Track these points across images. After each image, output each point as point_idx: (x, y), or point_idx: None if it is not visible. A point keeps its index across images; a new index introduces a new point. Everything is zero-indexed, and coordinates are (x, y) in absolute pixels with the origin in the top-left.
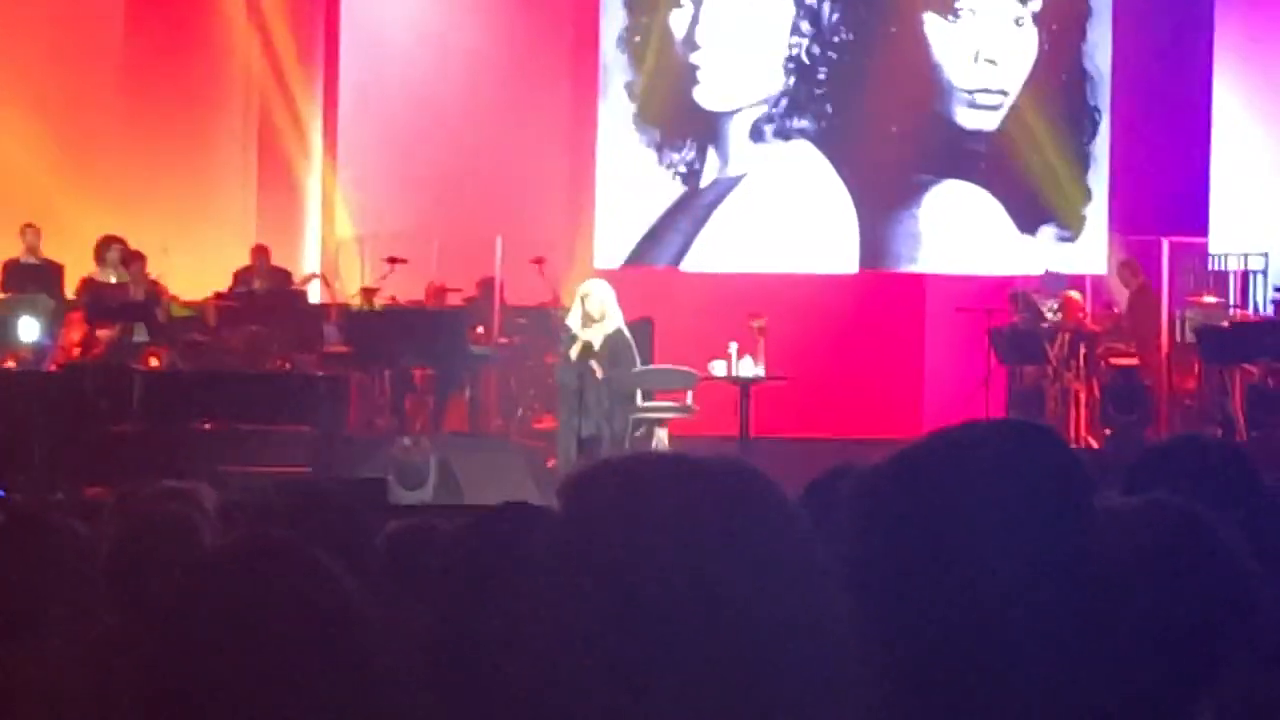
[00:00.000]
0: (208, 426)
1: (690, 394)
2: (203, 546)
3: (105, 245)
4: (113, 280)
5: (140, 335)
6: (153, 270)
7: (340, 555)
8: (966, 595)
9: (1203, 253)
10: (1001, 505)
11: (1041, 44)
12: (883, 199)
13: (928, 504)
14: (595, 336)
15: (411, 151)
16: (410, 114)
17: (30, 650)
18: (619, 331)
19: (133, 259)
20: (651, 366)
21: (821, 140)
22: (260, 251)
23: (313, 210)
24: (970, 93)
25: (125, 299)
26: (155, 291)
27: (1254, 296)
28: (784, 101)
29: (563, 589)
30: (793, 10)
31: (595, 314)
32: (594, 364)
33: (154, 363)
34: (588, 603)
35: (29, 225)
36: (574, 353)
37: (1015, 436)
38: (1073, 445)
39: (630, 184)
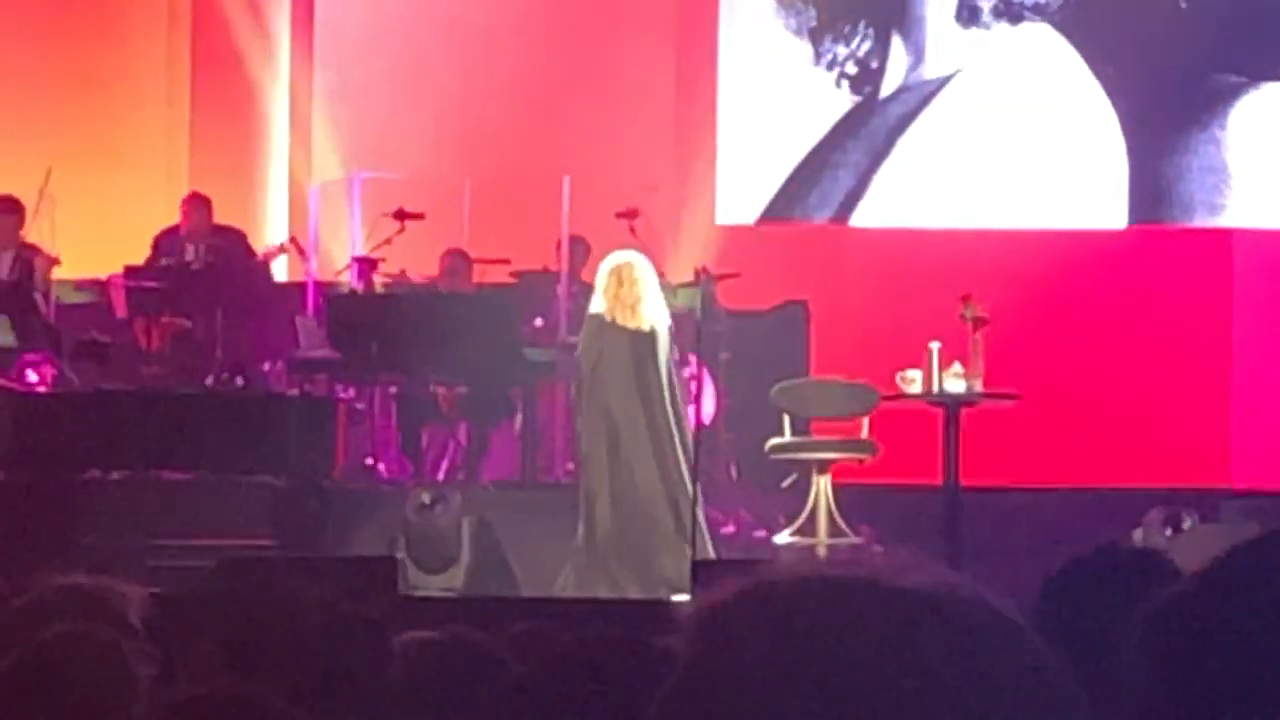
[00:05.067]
0: (116, 477)
1: (867, 422)
2: (135, 693)
3: None
4: None
5: (5, 335)
6: (26, 232)
7: (327, 691)
8: None
9: None
10: None
11: None
12: (1166, 114)
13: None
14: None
15: (430, 51)
16: None
17: None
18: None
19: None
20: (806, 380)
21: (1069, 22)
22: (196, 205)
23: (277, 141)
24: None
25: None
26: (30, 263)
27: None
28: None
29: None
30: None
31: (628, 302)
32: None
33: (32, 377)
34: None
35: None
36: (589, 362)
37: None
38: None
39: (770, 95)
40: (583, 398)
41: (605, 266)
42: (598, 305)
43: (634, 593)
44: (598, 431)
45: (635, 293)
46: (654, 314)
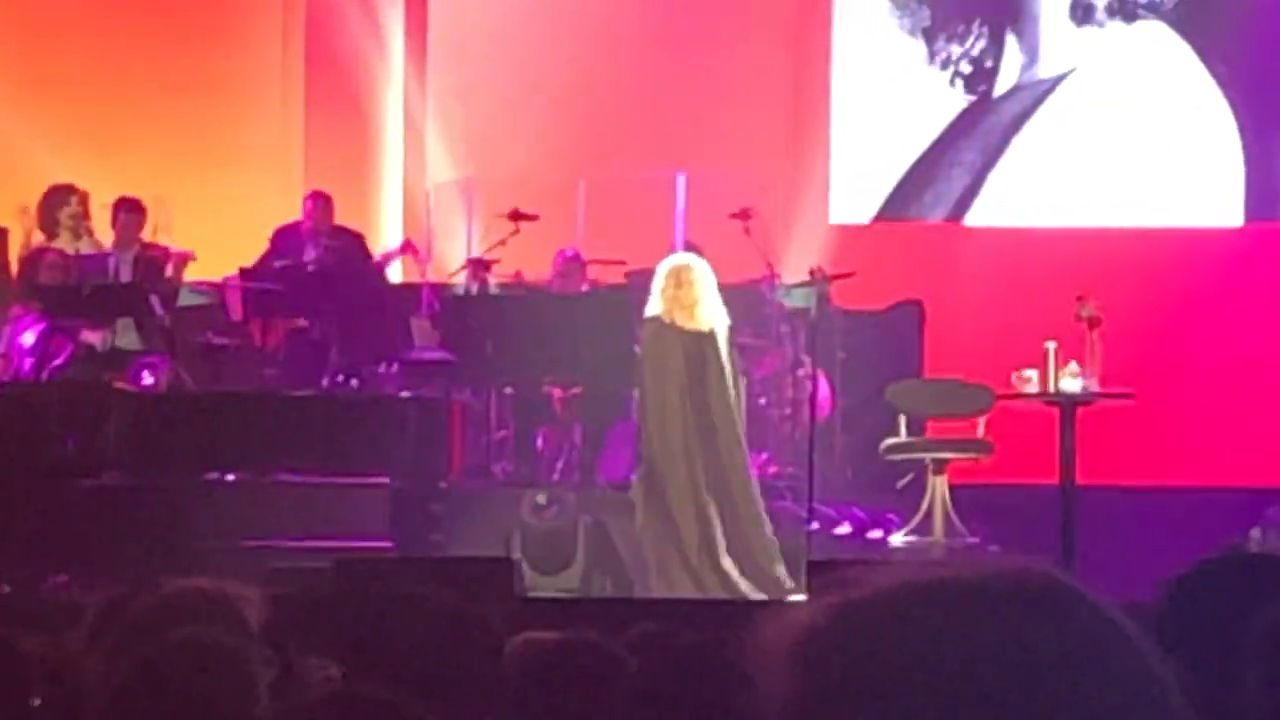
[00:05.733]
0: (231, 479)
1: (983, 422)
2: (254, 697)
3: (57, 199)
4: (75, 250)
5: (127, 338)
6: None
7: (446, 691)
8: None
9: None
10: None
11: None
12: None
13: None
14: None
15: (544, 51)
16: None
17: None
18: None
19: (118, 211)
20: (921, 379)
21: (1184, 20)
22: (319, 202)
23: (391, 142)
24: None
25: (104, 280)
26: (153, 262)
27: None
28: None
29: None
30: None
31: (686, 303)
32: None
33: (148, 379)
34: None
35: None
36: (651, 364)
37: None
38: None
39: (884, 94)
40: (647, 400)
41: (662, 269)
42: (655, 307)
43: (713, 593)
44: (666, 434)
45: (693, 294)
46: (712, 315)
